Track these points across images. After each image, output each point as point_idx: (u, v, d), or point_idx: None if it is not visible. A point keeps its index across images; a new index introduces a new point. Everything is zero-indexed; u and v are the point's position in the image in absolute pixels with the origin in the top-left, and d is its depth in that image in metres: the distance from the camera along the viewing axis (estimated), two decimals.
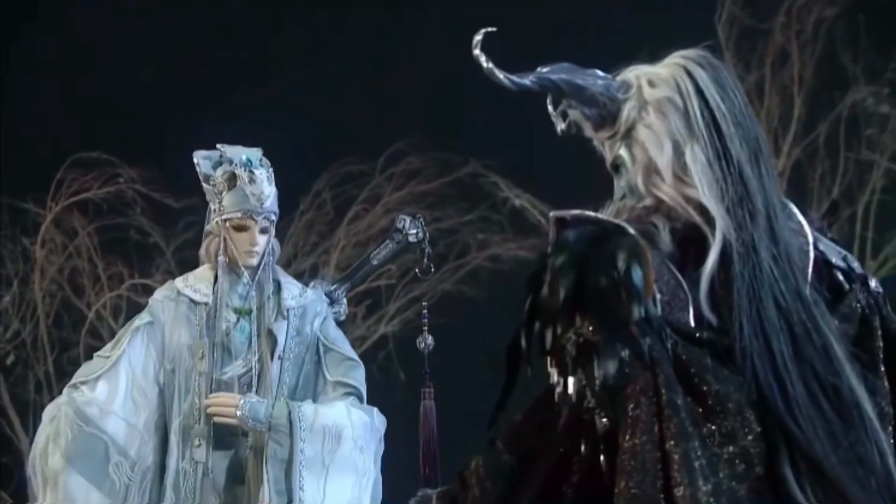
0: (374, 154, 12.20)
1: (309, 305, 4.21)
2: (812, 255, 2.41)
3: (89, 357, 4.27)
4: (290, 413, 3.99)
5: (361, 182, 12.38)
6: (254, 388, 4.09)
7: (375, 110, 11.66)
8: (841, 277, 2.44)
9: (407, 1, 11.44)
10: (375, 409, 4.18)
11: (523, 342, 2.25)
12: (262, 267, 4.17)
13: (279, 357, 4.12)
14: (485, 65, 2.42)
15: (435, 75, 11.58)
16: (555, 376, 2.22)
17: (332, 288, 4.39)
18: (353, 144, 11.90)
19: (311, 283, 4.39)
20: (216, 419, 4.02)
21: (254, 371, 4.11)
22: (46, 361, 11.93)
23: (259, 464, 4.01)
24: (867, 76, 11.27)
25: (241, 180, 4.15)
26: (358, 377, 4.19)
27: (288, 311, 4.17)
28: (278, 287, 4.19)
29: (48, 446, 4.08)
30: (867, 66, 11.23)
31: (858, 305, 2.41)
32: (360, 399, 4.17)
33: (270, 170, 4.21)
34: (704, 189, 2.30)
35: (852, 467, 2.22)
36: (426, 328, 4.34)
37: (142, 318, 4.32)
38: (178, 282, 4.37)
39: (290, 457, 3.98)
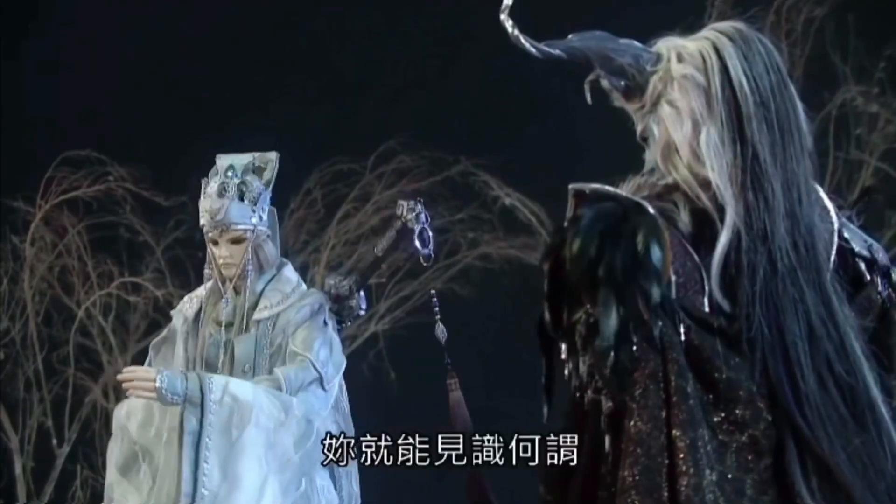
0: (365, 153, 12.19)
1: (283, 314, 4.07)
2: (836, 242, 2.34)
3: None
4: (201, 384, 3.88)
5: (352, 181, 12.37)
6: None
7: (366, 109, 11.66)
8: (863, 267, 2.37)
9: (400, 2, 11.44)
10: (294, 400, 3.94)
11: (548, 319, 2.18)
12: (237, 278, 4.07)
13: (244, 371, 4.02)
14: (511, 31, 2.31)
15: (426, 74, 11.58)
16: (564, 353, 2.17)
17: (344, 283, 4.20)
18: (344, 143, 11.89)
19: (326, 278, 4.28)
20: (135, 394, 3.91)
21: None
22: (36, 360, 11.89)
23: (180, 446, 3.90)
24: (856, 75, 11.28)
25: (202, 192, 4.11)
26: (293, 374, 3.97)
27: (258, 323, 4.06)
28: (258, 297, 4.10)
29: None
30: (856, 66, 11.24)
31: (879, 297, 2.35)
32: (280, 389, 3.95)
33: (239, 178, 4.06)
34: (715, 171, 2.23)
35: (862, 468, 2.17)
36: (439, 317, 4.09)
37: (161, 333, 4.31)
38: (191, 293, 4.35)
39: (200, 429, 3.87)
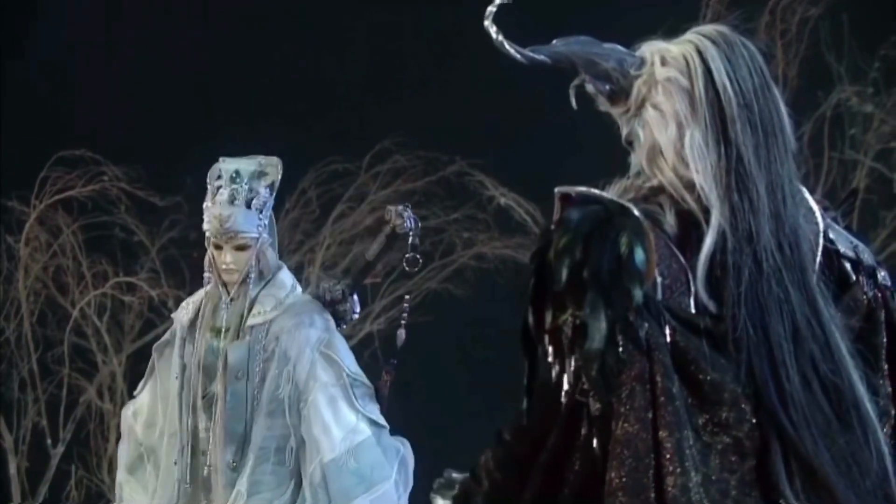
0: (360, 152, 12.18)
1: (277, 320, 4.07)
2: (822, 244, 2.35)
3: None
4: None
5: (347, 181, 12.37)
6: (217, 409, 4.04)
7: (361, 109, 11.65)
8: (849, 268, 2.37)
9: (395, 2, 11.44)
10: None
11: (531, 321, 2.19)
12: (238, 284, 4.09)
13: (237, 377, 4.04)
14: (495, 37, 2.32)
15: (420, 74, 11.58)
16: (550, 357, 2.18)
17: (337, 287, 4.23)
18: (339, 143, 11.89)
19: (320, 281, 4.30)
20: None
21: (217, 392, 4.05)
22: (30, 360, 11.87)
23: None
24: (851, 75, 11.29)
25: (209, 197, 4.12)
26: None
27: (251, 328, 4.08)
28: (253, 302, 4.11)
29: None
30: (851, 66, 11.25)
31: (865, 297, 2.36)
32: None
33: (247, 185, 4.09)
34: (700, 173, 2.24)
35: (846, 467, 2.17)
36: (405, 321, 4.27)
37: (164, 335, 4.35)
38: (189, 298, 4.38)
39: None
